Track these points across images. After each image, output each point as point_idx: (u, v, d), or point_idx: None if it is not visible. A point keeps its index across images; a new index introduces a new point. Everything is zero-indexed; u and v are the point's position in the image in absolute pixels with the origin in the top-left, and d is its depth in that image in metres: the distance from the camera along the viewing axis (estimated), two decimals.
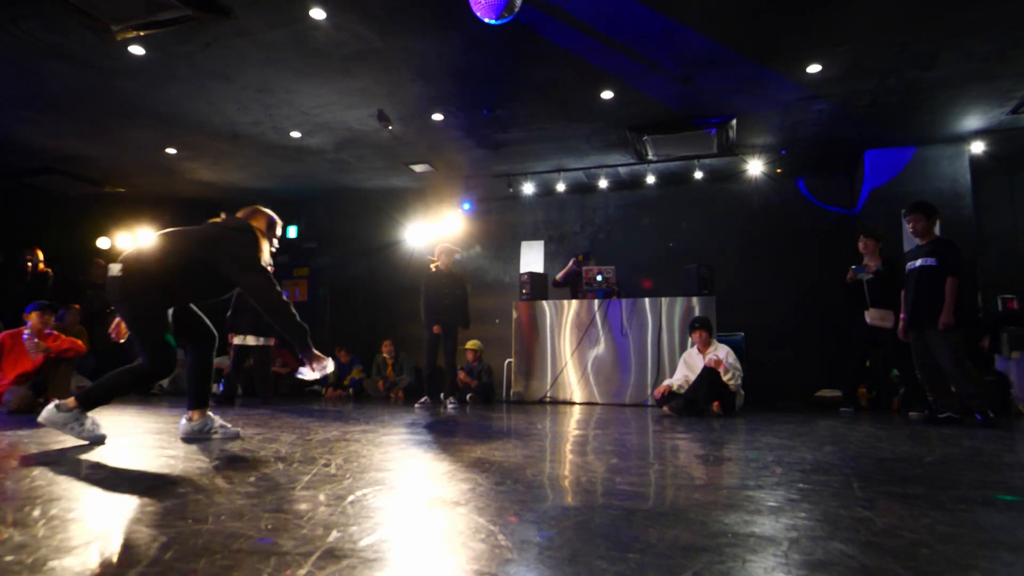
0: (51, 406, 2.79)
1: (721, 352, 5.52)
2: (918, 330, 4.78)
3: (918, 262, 4.80)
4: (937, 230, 5.15)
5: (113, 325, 3.20)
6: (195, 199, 9.42)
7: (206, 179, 8.59)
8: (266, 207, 3.34)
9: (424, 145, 7.36)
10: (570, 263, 7.65)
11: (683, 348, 6.45)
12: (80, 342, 5.27)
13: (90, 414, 2.85)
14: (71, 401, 2.80)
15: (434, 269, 6.66)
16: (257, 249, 3.04)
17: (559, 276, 7.71)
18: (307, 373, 2.99)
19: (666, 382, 5.71)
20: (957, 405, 4.64)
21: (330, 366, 3.01)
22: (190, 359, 3.24)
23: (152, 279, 2.90)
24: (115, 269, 2.93)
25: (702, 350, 5.65)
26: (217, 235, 3.04)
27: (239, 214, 3.25)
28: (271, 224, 3.28)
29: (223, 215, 3.26)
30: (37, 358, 4.84)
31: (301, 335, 2.95)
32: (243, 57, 5.27)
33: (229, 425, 3.26)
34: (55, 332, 5.08)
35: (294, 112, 6.41)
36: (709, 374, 5.33)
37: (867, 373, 6.37)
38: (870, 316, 5.71)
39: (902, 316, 5.00)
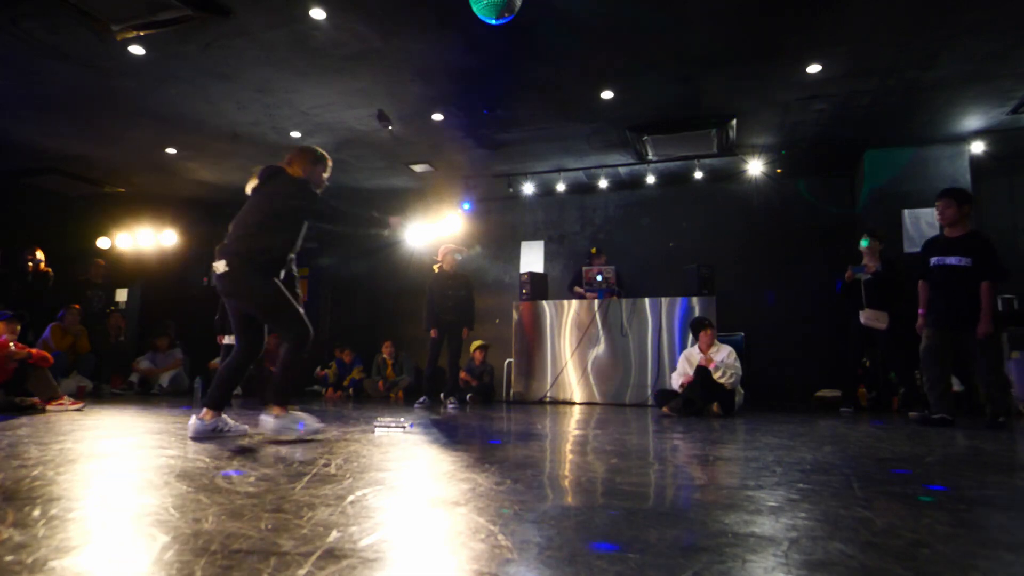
0: (193, 419, 3.10)
1: (723, 352, 5.53)
2: (950, 332, 4.44)
3: (950, 259, 4.38)
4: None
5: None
6: (195, 199, 9.42)
7: (206, 179, 8.59)
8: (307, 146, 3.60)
9: (424, 145, 7.36)
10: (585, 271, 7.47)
11: (683, 348, 6.46)
12: (47, 352, 5.35)
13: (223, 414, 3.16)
14: (206, 413, 3.09)
15: (437, 270, 6.67)
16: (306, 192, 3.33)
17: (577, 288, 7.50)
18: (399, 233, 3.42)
19: (684, 377, 5.62)
20: (952, 407, 4.49)
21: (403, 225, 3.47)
22: (227, 358, 3.35)
23: (251, 254, 3.09)
24: (220, 266, 3.09)
25: (704, 349, 5.66)
26: (276, 190, 3.30)
27: (283, 163, 3.48)
28: (315, 161, 3.54)
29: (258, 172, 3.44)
30: (11, 365, 4.89)
31: (367, 223, 3.44)
32: (243, 57, 5.27)
33: (237, 423, 3.29)
34: (19, 344, 5.11)
35: (294, 112, 6.41)
36: (702, 373, 5.35)
37: (867, 373, 6.37)
38: (864, 316, 5.71)
39: (921, 312, 4.65)
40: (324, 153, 3.61)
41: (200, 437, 3.08)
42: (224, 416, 3.21)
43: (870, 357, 6.32)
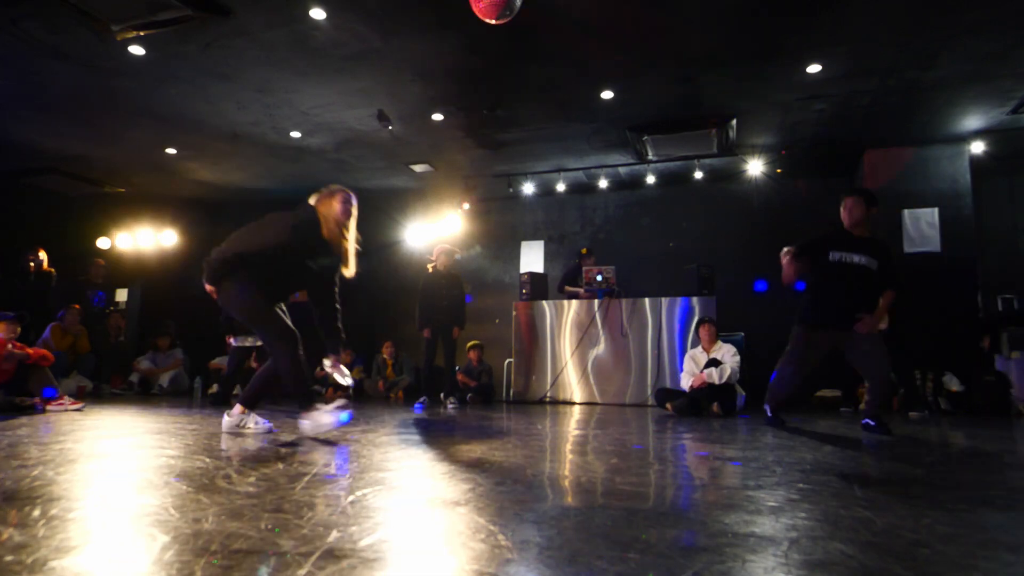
0: (225, 417, 3.32)
1: (724, 351, 5.54)
2: (833, 332, 4.18)
3: (855, 257, 4.12)
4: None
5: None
6: (195, 199, 9.43)
7: (206, 179, 8.59)
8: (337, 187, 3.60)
9: (424, 145, 7.36)
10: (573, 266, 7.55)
11: (683, 348, 6.47)
12: (48, 352, 5.34)
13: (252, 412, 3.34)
14: (238, 407, 3.31)
15: (431, 270, 6.64)
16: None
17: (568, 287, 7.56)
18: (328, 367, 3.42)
19: (702, 375, 5.58)
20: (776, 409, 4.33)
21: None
22: (232, 359, 3.52)
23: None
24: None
25: (707, 348, 5.67)
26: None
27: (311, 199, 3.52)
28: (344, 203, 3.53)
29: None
30: (9, 364, 4.88)
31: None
32: (243, 57, 5.27)
33: (264, 420, 3.41)
34: (19, 344, 5.10)
35: (294, 112, 6.41)
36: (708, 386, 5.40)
37: None
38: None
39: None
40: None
41: (228, 431, 3.27)
42: (251, 414, 3.35)
43: None
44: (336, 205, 3.45)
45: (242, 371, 6.44)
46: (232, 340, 6.27)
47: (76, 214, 9.22)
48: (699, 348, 5.77)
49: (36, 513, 1.48)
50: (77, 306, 7.34)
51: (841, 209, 4.30)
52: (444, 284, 6.56)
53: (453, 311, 6.53)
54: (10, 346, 4.96)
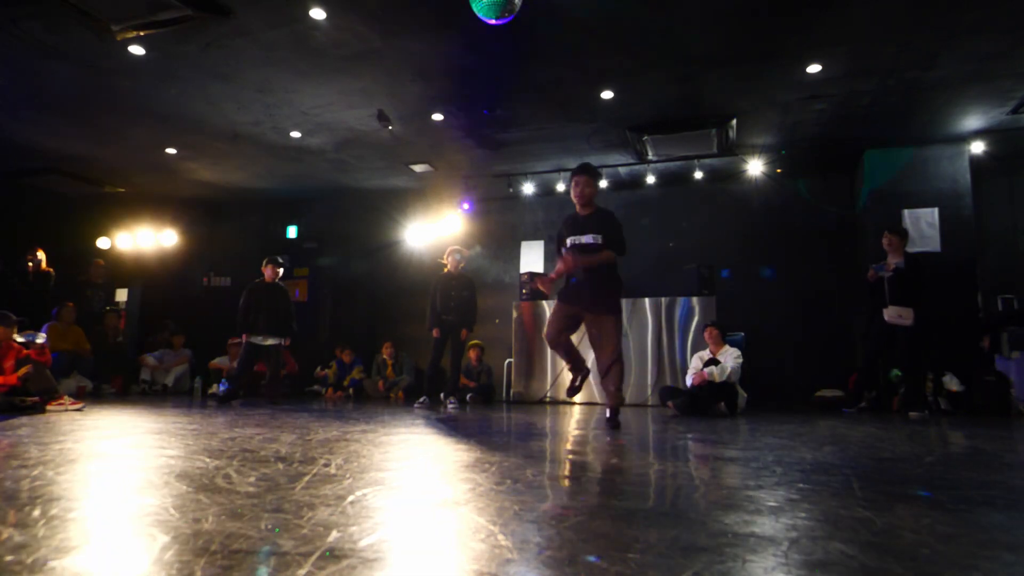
0: None
1: (728, 354, 5.57)
2: (573, 309, 4.17)
3: (584, 239, 4.04)
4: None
5: None
6: (195, 199, 9.43)
7: (206, 179, 8.59)
8: None
9: (424, 145, 7.36)
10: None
11: (683, 348, 6.48)
12: (46, 349, 5.38)
13: None
14: None
15: (445, 271, 6.69)
16: None
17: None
18: None
19: (702, 373, 5.58)
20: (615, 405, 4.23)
21: None
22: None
23: None
24: None
25: (714, 351, 5.70)
26: None
27: None
28: None
29: None
30: (16, 370, 4.88)
31: None
32: (243, 57, 5.27)
33: None
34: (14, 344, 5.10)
35: (294, 112, 6.41)
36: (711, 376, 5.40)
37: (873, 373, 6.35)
38: (888, 313, 5.71)
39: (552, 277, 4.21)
40: None
41: None
42: None
43: (883, 356, 6.28)
44: None
45: (250, 371, 6.44)
46: (248, 339, 6.25)
47: (76, 214, 9.22)
48: (707, 351, 5.80)
49: (36, 513, 1.48)
50: (71, 304, 7.33)
51: (572, 188, 4.17)
52: (454, 285, 6.59)
53: (462, 312, 6.54)
54: (22, 345, 4.96)
